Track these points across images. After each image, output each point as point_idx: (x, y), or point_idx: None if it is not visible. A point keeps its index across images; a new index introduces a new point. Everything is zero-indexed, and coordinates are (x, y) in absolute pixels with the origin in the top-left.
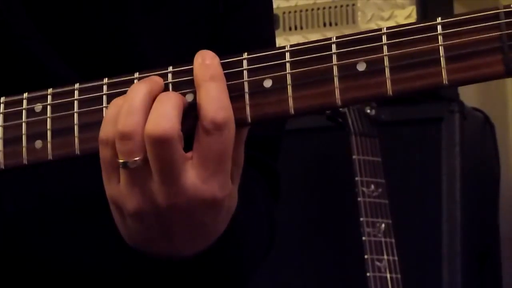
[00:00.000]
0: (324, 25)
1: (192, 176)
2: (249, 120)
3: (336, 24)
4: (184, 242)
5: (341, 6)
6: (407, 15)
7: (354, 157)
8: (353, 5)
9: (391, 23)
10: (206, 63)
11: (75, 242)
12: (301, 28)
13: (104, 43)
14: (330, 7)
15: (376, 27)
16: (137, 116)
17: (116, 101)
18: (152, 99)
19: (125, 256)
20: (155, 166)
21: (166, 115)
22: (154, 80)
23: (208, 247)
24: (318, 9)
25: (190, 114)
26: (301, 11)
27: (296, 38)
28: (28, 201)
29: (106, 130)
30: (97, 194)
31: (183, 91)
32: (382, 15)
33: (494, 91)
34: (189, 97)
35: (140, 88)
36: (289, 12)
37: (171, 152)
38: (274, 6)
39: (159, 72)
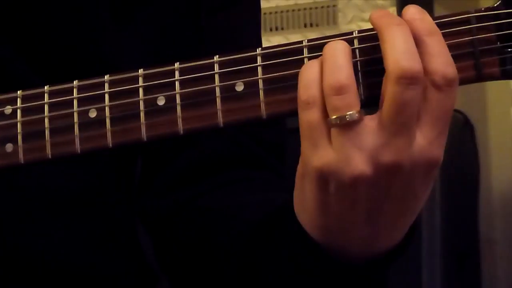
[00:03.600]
0: (305, 26)
1: (421, 134)
2: (221, 124)
3: (317, 25)
4: (385, 226)
5: (322, 7)
6: None
7: None
8: (334, 6)
9: None
10: (422, 18)
11: (55, 239)
12: (282, 29)
13: (71, 52)
14: (311, 8)
15: (357, 28)
16: (348, 69)
17: (311, 63)
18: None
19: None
20: (394, 112)
21: (410, 51)
22: (342, 40)
23: (399, 242)
24: (299, 10)
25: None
26: (282, 12)
27: (277, 39)
28: (7, 199)
29: (311, 92)
30: (76, 191)
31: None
32: (362, 16)
33: (474, 92)
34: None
35: (339, 44)
36: (270, 13)
37: (417, 96)
38: None
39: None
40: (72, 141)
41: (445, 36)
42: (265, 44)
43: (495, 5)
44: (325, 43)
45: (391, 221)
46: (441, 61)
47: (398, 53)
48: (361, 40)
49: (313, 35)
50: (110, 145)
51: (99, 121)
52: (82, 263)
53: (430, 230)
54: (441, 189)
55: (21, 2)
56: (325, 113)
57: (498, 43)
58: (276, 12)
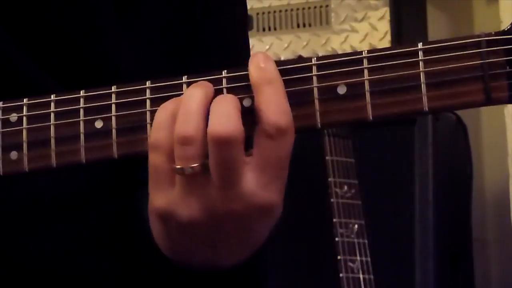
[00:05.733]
0: (298, 26)
1: (251, 181)
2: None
3: (309, 25)
4: (228, 252)
5: (315, 7)
6: (380, 16)
7: (327, 158)
8: (327, 6)
9: (365, 24)
10: (261, 66)
11: (50, 242)
12: (275, 29)
13: (78, 52)
14: (303, 8)
15: (349, 28)
16: (196, 120)
17: (166, 105)
18: (208, 104)
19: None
20: (217, 169)
21: (229, 115)
22: (207, 85)
23: (247, 259)
24: (292, 10)
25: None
26: (274, 12)
27: (270, 39)
28: (1, 202)
29: (158, 136)
30: (72, 194)
31: (239, 96)
32: (355, 16)
33: None
34: (246, 102)
35: (196, 92)
36: (263, 13)
37: (235, 154)
38: (248, 7)
39: (210, 78)
40: (77, 150)
41: (455, 59)
42: (257, 44)
43: (506, 29)
44: (335, 62)
45: (230, 248)
46: (275, 110)
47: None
48: (371, 60)
49: (306, 35)
50: (116, 156)
51: (105, 131)
52: (77, 266)
53: (423, 231)
54: (434, 189)
55: (28, 5)
56: (171, 158)
57: (508, 67)
58: (269, 12)
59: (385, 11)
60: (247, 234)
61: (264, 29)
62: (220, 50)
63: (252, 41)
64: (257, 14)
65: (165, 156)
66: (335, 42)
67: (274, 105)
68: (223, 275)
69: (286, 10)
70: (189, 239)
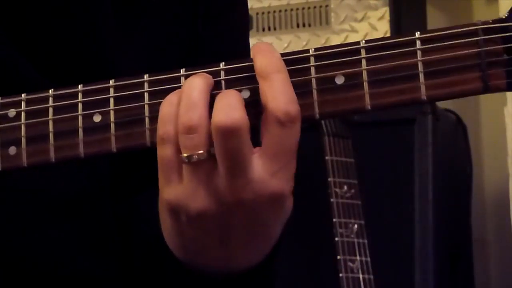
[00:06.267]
0: (298, 26)
1: (260, 169)
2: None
3: (309, 25)
4: (240, 248)
5: (314, 7)
6: (380, 16)
7: (327, 158)
8: (327, 6)
9: (365, 24)
10: (268, 56)
11: (49, 242)
12: (275, 29)
13: (76, 55)
14: (303, 8)
15: (349, 28)
16: (200, 109)
17: (170, 98)
18: (209, 92)
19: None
20: (223, 158)
21: (234, 105)
22: (206, 75)
23: (260, 262)
24: (292, 10)
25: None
26: (274, 12)
27: (270, 39)
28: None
29: (165, 128)
30: (70, 194)
31: (238, 88)
32: (355, 16)
33: None
34: (245, 94)
35: (197, 81)
36: (262, 13)
37: (241, 143)
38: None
39: (208, 70)
40: (76, 145)
41: (452, 47)
42: None
43: (503, 17)
44: (333, 52)
45: (243, 244)
46: (285, 98)
47: (218, 109)
48: (368, 50)
49: (305, 35)
50: (114, 149)
51: (104, 125)
52: (77, 266)
53: (423, 231)
54: (434, 189)
55: (27, 6)
56: (178, 149)
57: (505, 55)
58: (268, 12)
59: (385, 11)
60: (258, 227)
61: (263, 29)
62: (221, 54)
63: (252, 41)
64: (257, 14)
65: (174, 148)
66: (334, 42)
67: (283, 93)
68: (232, 280)
69: (285, 10)
70: (200, 233)
